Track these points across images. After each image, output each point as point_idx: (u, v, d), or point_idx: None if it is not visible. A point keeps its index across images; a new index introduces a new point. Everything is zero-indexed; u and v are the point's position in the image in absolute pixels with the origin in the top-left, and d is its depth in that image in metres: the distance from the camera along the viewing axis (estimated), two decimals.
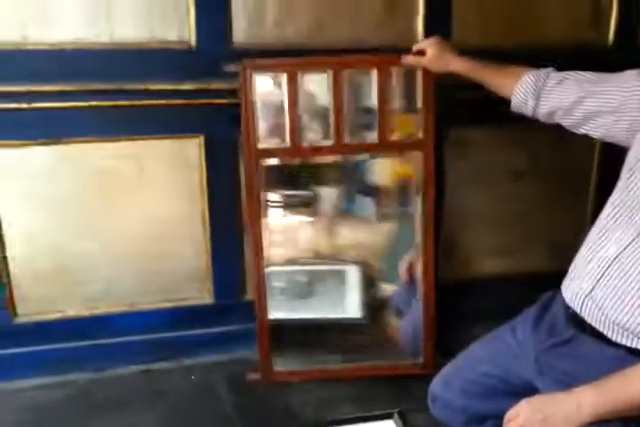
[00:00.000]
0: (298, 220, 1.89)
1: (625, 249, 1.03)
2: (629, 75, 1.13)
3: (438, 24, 1.73)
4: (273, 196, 1.85)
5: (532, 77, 1.27)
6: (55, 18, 1.49)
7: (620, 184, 1.11)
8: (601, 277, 1.06)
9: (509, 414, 1.03)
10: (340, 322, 1.78)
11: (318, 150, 1.58)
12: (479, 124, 1.82)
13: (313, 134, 1.62)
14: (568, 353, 1.11)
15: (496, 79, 1.35)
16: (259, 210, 1.60)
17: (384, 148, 1.59)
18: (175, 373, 1.73)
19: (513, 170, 1.91)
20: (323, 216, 1.86)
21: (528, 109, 1.30)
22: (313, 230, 1.90)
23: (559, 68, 1.26)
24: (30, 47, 1.48)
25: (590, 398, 0.95)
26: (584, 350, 1.09)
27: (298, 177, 1.81)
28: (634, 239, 1.02)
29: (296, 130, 1.54)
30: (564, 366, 1.10)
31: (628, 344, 1.02)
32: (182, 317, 1.77)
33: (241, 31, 1.61)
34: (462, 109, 1.71)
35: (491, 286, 1.97)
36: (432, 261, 1.64)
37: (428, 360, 1.66)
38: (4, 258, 1.61)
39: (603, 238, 1.08)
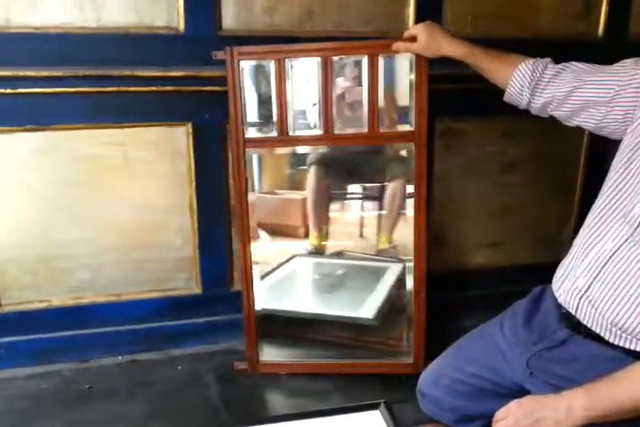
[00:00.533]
0: (361, 212, 1.85)
1: (621, 246, 1.00)
2: (625, 63, 1.11)
3: (429, 13, 1.70)
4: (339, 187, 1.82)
5: (529, 67, 1.24)
6: (40, 0, 1.45)
7: (613, 176, 1.08)
8: (597, 275, 1.03)
9: (499, 414, 1.02)
10: (346, 321, 1.73)
11: (306, 141, 1.55)
12: (468, 114, 1.81)
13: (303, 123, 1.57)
14: (561, 356, 1.09)
15: (491, 66, 1.31)
16: (246, 206, 1.56)
17: (374, 139, 1.54)
18: (162, 363, 1.72)
19: (502, 161, 1.91)
20: (386, 209, 1.80)
21: (522, 101, 1.27)
22: (375, 223, 1.83)
23: (554, 60, 1.25)
24: (14, 30, 1.44)
25: (581, 402, 0.94)
26: (579, 352, 1.06)
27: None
28: (631, 235, 0.99)
29: (284, 119, 1.51)
30: (557, 369, 1.08)
31: (626, 346, 1.00)
32: (169, 307, 1.75)
33: (230, 18, 1.58)
34: (451, 99, 1.69)
35: (479, 277, 1.97)
36: (424, 255, 1.57)
37: (418, 360, 1.62)
38: None
39: (597, 234, 1.05)
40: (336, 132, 1.53)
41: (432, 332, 1.63)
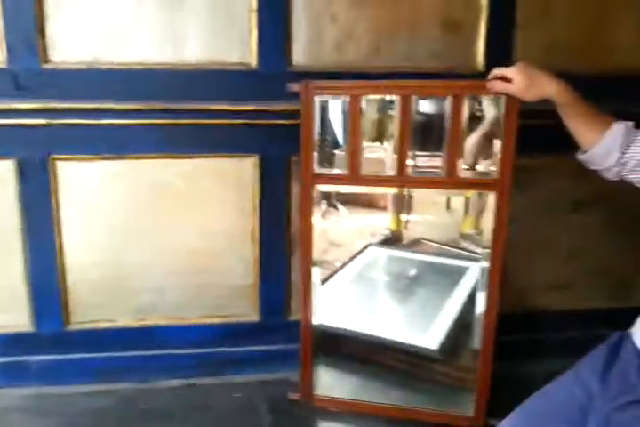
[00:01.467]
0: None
1: None
2: None
3: (499, 50, 1.69)
4: None
5: (622, 128, 1.18)
6: (126, 39, 1.54)
7: None
8: None
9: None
10: (408, 349, 1.61)
11: (377, 181, 1.48)
12: (538, 151, 1.75)
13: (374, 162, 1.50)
14: None
15: (585, 121, 1.22)
16: (310, 237, 1.54)
17: (452, 185, 1.42)
18: (218, 389, 1.73)
19: (575, 200, 1.82)
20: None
21: (609, 161, 1.19)
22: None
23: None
24: (102, 67, 1.53)
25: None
26: None
27: None
28: None
29: (356, 156, 1.44)
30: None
31: None
32: (228, 333, 1.76)
33: (300, 54, 1.61)
34: (525, 137, 1.64)
35: (550, 321, 1.87)
36: (495, 303, 1.46)
37: (479, 415, 1.52)
38: (62, 266, 1.65)
39: None
40: (410, 174, 1.44)
41: (497, 373, 1.55)
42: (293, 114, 1.51)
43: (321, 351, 1.65)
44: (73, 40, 1.52)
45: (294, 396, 1.66)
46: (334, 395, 1.65)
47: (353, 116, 1.44)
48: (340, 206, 1.64)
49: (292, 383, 1.72)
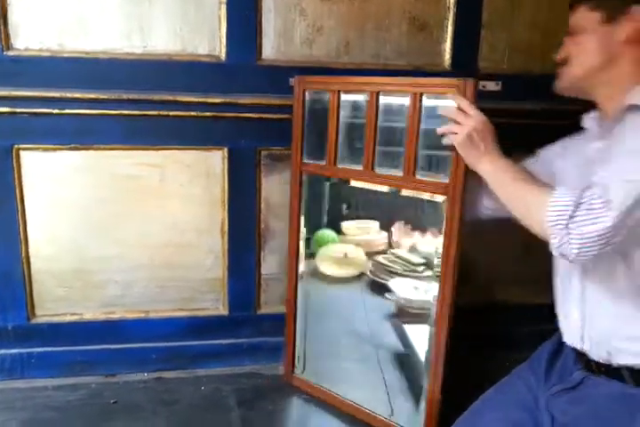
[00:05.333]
0: None
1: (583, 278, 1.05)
2: None
3: (466, 49, 1.67)
4: None
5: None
6: (92, 27, 1.47)
7: None
8: (582, 308, 1.05)
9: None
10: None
11: (349, 173, 1.44)
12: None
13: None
14: (575, 397, 1.04)
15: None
16: (298, 230, 1.53)
17: (408, 184, 1.33)
18: (186, 382, 1.66)
19: None
20: None
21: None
22: None
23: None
24: (65, 55, 1.46)
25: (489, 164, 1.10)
26: (593, 391, 1.02)
27: None
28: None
29: (332, 149, 1.42)
30: (573, 411, 1.03)
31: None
32: (196, 327, 1.69)
33: (270, 48, 1.56)
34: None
35: (511, 315, 1.83)
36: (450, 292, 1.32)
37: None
38: (27, 259, 1.56)
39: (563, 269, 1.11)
40: (376, 170, 1.38)
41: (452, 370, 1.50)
42: (262, 107, 1.46)
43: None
44: (36, 27, 1.44)
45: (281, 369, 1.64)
46: (314, 381, 1.60)
47: (332, 110, 1.41)
48: None
49: (262, 376, 1.67)
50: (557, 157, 1.21)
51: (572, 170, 1.12)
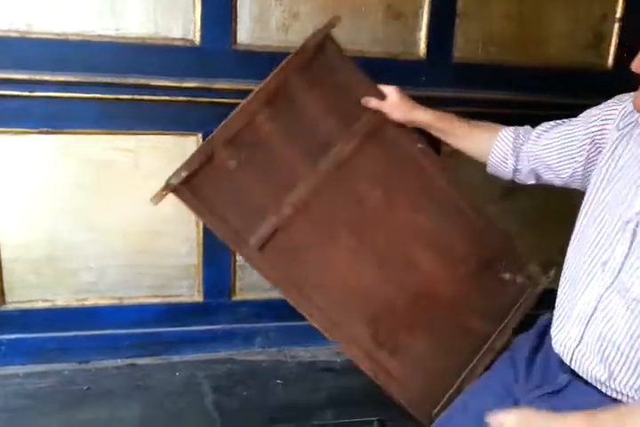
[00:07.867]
0: None
1: (602, 296, 0.88)
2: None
3: (440, 39, 1.65)
4: None
5: (510, 133, 1.11)
6: (62, 8, 1.41)
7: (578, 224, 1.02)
8: (587, 323, 0.90)
9: (493, 419, 0.84)
10: None
11: None
12: None
13: None
14: (559, 403, 0.91)
15: (465, 133, 1.17)
16: None
17: None
18: (160, 368, 1.63)
19: (505, 186, 1.79)
20: None
21: (507, 168, 1.14)
22: None
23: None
24: (35, 36, 1.40)
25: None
26: (578, 400, 0.90)
27: None
28: (610, 285, 0.88)
29: None
30: None
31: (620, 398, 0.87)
32: (170, 313, 1.66)
33: (245, 32, 1.52)
34: None
35: None
36: None
37: None
38: None
39: (583, 280, 0.92)
40: None
41: None
42: (237, 92, 1.41)
43: None
44: (4, 7, 1.37)
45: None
46: None
47: None
48: None
49: (236, 362, 1.65)
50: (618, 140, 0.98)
51: (634, 163, 0.93)
